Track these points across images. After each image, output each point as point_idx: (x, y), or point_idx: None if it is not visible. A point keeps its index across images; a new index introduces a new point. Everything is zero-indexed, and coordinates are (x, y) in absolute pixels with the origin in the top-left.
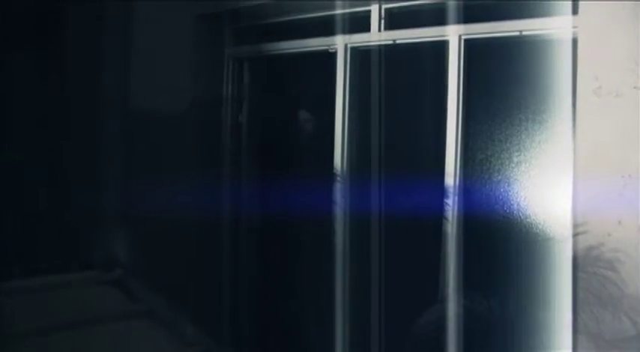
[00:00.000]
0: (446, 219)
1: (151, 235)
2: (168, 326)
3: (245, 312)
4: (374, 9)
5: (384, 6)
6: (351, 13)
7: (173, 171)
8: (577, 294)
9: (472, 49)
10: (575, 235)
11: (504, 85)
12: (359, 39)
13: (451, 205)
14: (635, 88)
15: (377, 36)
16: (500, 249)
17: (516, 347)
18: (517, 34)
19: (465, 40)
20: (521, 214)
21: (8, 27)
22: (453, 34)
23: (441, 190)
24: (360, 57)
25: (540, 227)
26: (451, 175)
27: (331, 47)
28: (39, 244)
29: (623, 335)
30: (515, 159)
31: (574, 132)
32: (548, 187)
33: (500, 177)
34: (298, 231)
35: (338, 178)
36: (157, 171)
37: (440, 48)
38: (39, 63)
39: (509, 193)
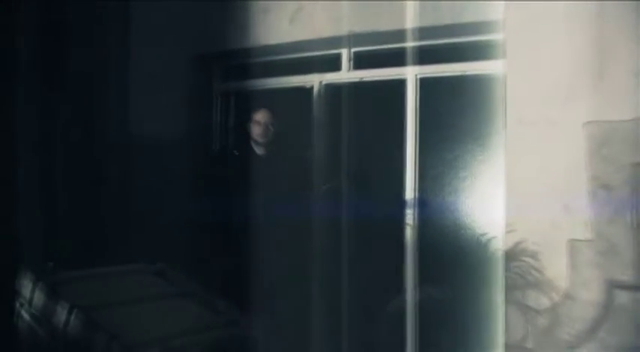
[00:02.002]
0: (407, 223)
1: (181, 236)
2: (202, 302)
3: (259, 290)
4: (344, 52)
5: (352, 49)
6: (324, 55)
7: (168, 188)
8: (509, 277)
9: (426, 85)
10: (507, 232)
11: (452, 115)
12: (331, 77)
13: (410, 212)
14: (555, 120)
15: (346, 74)
16: (451, 244)
17: (465, 318)
18: (461, 74)
19: (420, 79)
20: (466, 217)
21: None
22: (410, 74)
23: (401, 200)
24: (333, 92)
25: (481, 227)
26: (410, 188)
27: (307, 83)
28: (103, 242)
29: (543, 307)
30: (461, 175)
31: (505, 152)
32: (486, 196)
33: (449, 189)
34: (284, 233)
35: (316, 193)
36: (159, 190)
37: (399, 84)
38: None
39: (457, 201)
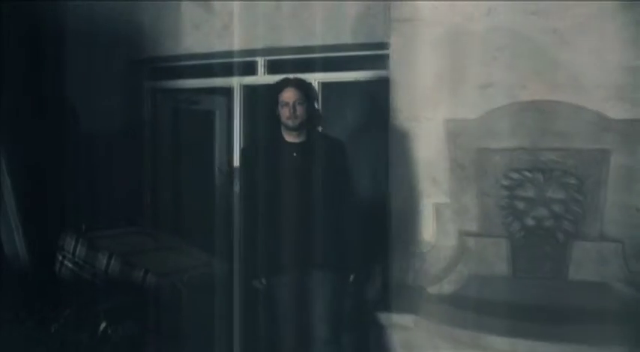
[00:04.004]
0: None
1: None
2: (182, 252)
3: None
4: (259, 60)
5: (266, 58)
6: (243, 62)
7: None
8: (394, 233)
9: (326, 88)
10: (391, 201)
11: (348, 112)
12: (248, 80)
13: None
14: (425, 117)
15: (261, 78)
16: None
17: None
18: (354, 80)
19: (321, 83)
20: (361, 191)
21: None
22: (314, 79)
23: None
24: (249, 92)
25: (372, 198)
26: None
27: (228, 84)
28: (113, 210)
29: (418, 252)
30: (356, 159)
31: (390, 141)
32: (377, 175)
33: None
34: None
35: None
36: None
37: None
38: None
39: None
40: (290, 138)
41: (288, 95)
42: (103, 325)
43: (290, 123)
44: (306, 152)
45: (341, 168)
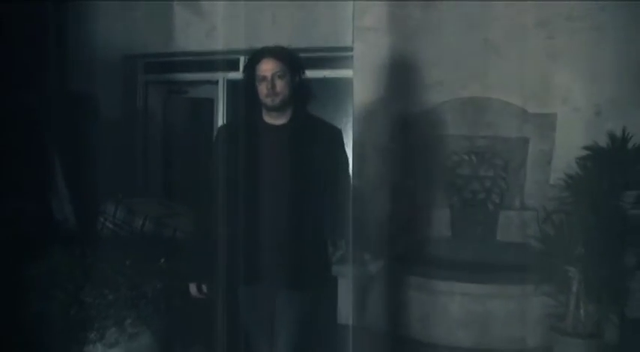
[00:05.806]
0: None
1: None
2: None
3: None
4: (242, 57)
5: (247, 57)
6: (227, 59)
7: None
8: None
9: None
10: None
11: (316, 104)
12: (232, 75)
13: None
14: (383, 109)
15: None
16: None
17: None
18: (323, 77)
19: None
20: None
21: None
22: None
23: None
24: (232, 85)
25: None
26: None
27: (214, 78)
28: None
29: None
30: None
31: (353, 129)
32: None
33: None
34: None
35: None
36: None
37: None
38: None
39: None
40: (270, 119)
41: (266, 67)
42: (162, 260)
43: (269, 101)
44: (289, 137)
45: (335, 160)
